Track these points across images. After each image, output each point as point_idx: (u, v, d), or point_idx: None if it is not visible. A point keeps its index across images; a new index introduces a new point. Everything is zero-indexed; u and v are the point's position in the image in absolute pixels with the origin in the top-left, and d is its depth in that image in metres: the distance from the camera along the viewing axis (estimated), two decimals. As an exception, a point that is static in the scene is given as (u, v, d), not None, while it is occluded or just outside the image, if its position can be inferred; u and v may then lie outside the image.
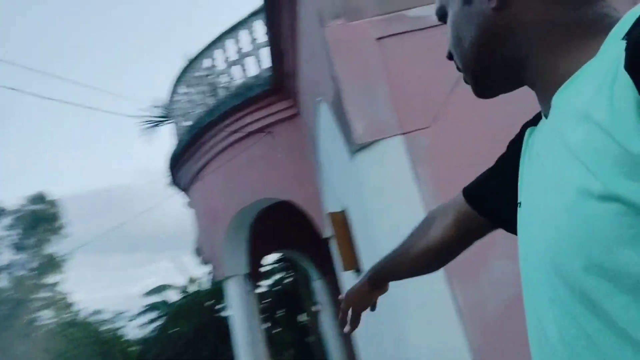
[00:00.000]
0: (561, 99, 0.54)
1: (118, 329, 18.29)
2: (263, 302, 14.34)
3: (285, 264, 14.13)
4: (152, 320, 15.50)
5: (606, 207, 0.44)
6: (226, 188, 7.10)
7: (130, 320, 20.65)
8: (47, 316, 23.38)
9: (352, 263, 4.02)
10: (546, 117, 0.59)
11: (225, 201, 7.18)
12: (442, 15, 0.70)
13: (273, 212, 7.54)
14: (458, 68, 0.68)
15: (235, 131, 6.90)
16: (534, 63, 0.59)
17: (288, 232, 8.72)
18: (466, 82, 0.69)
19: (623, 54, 0.45)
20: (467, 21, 0.63)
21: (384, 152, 3.22)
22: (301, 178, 6.53)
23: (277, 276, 14.67)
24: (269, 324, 14.50)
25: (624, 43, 0.46)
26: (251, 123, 6.79)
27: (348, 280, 4.79)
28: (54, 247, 24.53)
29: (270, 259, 14.09)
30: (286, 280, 13.86)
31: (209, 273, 11.66)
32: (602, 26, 0.54)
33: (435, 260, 1.05)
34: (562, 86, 0.54)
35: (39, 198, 25.22)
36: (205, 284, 14.62)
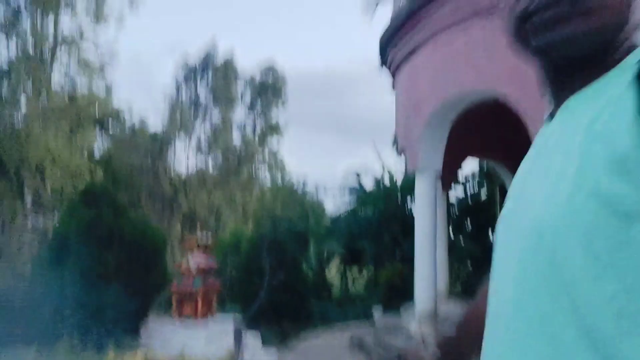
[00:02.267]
0: (573, 104, 0.58)
1: (317, 200, 20.03)
2: (453, 212, 13.98)
3: (480, 179, 13.22)
4: (345, 201, 16.46)
5: (597, 204, 0.48)
6: (435, 75, 6.48)
7: (328, 196, 22.41)
8: (264, 175, 26.95)
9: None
10: (552, 117, 0.63)
11: (431, 89, 6.60)
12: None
13: (479, 112, 6.73)
14: None
15: (456, 9, 6.04)
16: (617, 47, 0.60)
17: (491, 137, 7.87)
18: None
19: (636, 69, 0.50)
20: None
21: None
22: (523, 74, 5.48)
23: (470, 186, 13.89)
24: (456, 234, 14.19)
25: (637, 66, 0.51)
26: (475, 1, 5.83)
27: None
28: (276, 115, 27.36)
29: (466, 170, 13.35)
30: (480, 191, 13.04)
31: (404, 164, 11.53)
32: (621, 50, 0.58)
33: None
34: (577, 93, 0.58)
35: (269, 69, 27.84)
36: (399, 175, 14.69)
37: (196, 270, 5.21)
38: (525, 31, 0.60)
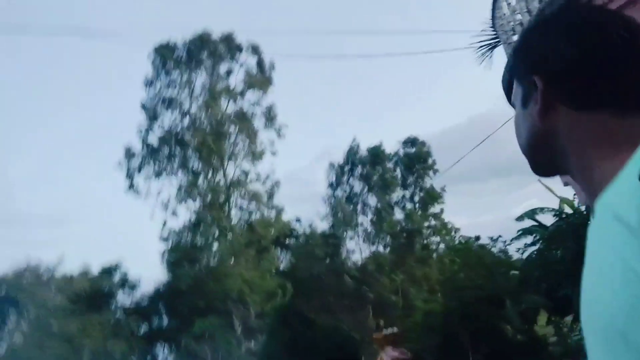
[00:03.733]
0: (599, 206, 0.63)
1: (498, 253, 18.93)
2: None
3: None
4: (528, 245, 15.30)
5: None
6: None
7: (507, 244, 21.00)
8: (434, 241, 26.49)
9: None
10: (593, 217, 0.65)
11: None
12: (512, 104, 0.83)
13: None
14: None
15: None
16: (575, 166, 0.69)
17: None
18: None
19: None
20: (522, 121, 0.76)
21: None
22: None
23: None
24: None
25: None
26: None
27: None
28: (431, 181, 27.33)
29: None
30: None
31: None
32: (631, 139, 0.62)
33: None
34: (602, 194, 0.62)
35: (411, 141, 28.39)
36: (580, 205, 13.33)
37: (393, 364, 5.33)
38: None
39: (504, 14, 7.47)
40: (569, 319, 13.73)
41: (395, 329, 6.36)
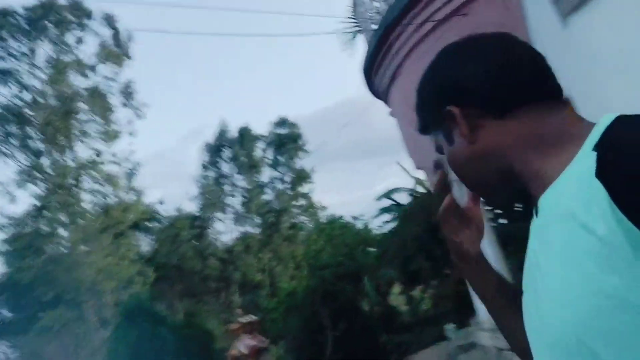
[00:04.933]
0: (545, 202, 0.65)
1: (359, 230, 19.88)
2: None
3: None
4: (386, 222, 16.27)
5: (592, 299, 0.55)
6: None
7: (368, 223, 22.19)
8: (303, 221, 27.09)
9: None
10: (536, 215, 0.68)
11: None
12: (437, 147, 0.83)
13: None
14: None
15: (424, 21, 6.07)
16: (519, 174, 0.70)
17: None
18: None
19: (594, 165, 0.57)
20: (456, 157, 0.77)
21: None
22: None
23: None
24: (506, 221, 13.75)
25: (594, 154, 0.58)
26: (441, 8, 5.85)
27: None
28: (301, 162, 27.74)
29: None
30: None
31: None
32: (567, 137, 0.66)
33: None
34: (546, 191, 0.65)
35: (282, 122, 28.44)
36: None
37: (249, 354, 5.18)
38: None
39: (364, 2, 7.56)
40: (418, 291, 14.98)
41: (252, 317, 6.24)
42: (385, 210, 16.28)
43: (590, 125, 0.64)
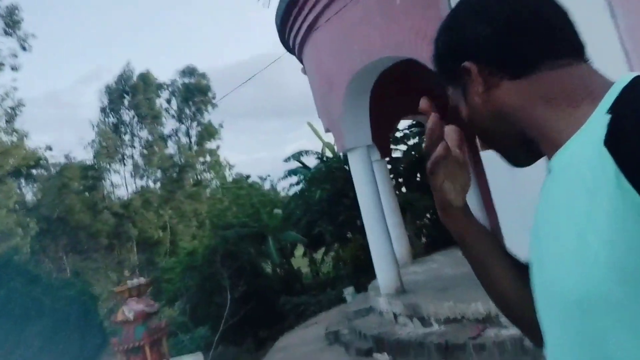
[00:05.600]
0: (556, 163, 0.64)
1: (266, 191, 19.60)
2: (400, 167, 14.00)
3: (420, 129, 13.23)
4: (293, 185, 16.16)
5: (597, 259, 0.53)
6: (339, 49, 6.18)
7: (275, 184, 21.96)
8: (208, 178, 26.23)
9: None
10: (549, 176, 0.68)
11: (339, 64, 6.31)
12: (452, 103, 0.79)
13: (398, 73, 6.52)
14: None
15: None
16: (533, 135, 0.68)
17: (416, 97, 7.69)
18: None
19: (605, 130, 0.54)
20: (470, 116, 0.74)
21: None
22: (426, 31, 5.27)
23: (412, 142, 13.92)
24: (405, 190, 14.24)
25: (607, 117, 0.56)
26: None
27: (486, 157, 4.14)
28: (209, 116, 26.54)
29: (405, 124, 13.37)
30: (421, 140, 13.12)
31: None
32: (584, 96, 0.63)
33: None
34: (557, 152, 0.64)
35: (190, 71, 26.83)
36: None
37: (135, 319, 4.77)
38: None
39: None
40: (320, 253, 15.19)
41: (141, 279, 5.72)
42: (292, 172, 16.15)
43: (609, 84, 0.61)
